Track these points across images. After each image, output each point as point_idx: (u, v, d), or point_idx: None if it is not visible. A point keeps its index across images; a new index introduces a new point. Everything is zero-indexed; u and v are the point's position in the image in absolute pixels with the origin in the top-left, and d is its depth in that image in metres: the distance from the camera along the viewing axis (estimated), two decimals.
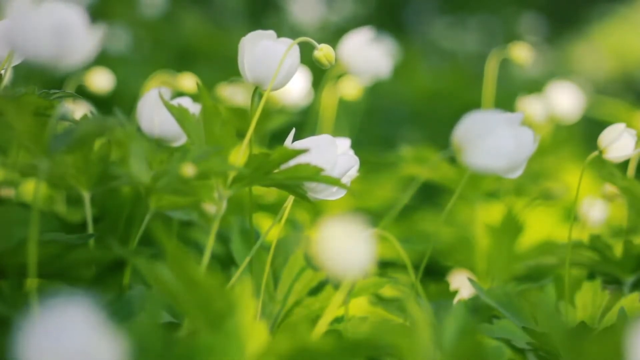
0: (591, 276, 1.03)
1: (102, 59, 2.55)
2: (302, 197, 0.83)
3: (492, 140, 0.74)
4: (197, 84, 0.81)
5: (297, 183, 0.81)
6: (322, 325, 0.70)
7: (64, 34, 0.69)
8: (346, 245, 0.60)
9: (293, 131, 0.84)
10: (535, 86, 2.18)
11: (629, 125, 0.94)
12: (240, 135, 0.84)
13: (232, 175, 0.80)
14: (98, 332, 0.52)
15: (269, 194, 1.52)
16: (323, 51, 0.87)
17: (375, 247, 0.61)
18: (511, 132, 0.75)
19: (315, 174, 0.78)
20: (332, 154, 0.81)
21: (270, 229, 0.87)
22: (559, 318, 0.92)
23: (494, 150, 0.74)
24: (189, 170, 0.75)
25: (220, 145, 0.79)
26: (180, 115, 0.81)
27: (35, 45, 0.69)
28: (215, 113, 0.79)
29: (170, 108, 0.82)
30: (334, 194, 0.84)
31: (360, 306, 1.16)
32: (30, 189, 1.30)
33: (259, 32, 0.86)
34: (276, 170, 0.80)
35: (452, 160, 0.76)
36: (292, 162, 0.79)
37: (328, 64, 0.87)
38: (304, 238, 0.95)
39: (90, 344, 0.51)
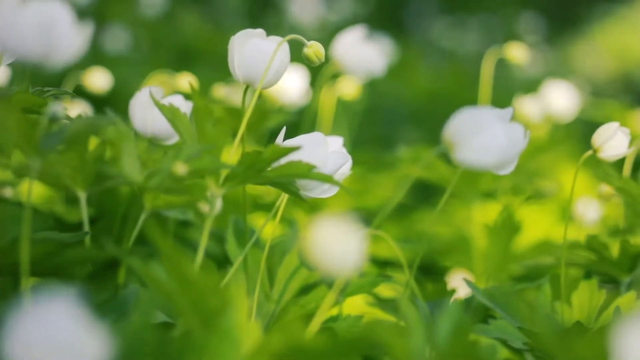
0: (587, 276, 1.02)
1: (102, 59, 2.55)
2: (294, 194, 0.83)
3: (483, 136, 0.74)
4: (189, 83, 0.81)
5: (290, 181, 0.81)
6: (316, 324, 0.70)
7: (51, 31, 0.69)
8: (338, 244, 0.60)
9: (284, 129, 0.84)
10: (535, 86, 2.18)
11: (624, 125, 0.94)
12: (237, 134, 0.84)
13: (224, 173, 0.80)
14: (84, 325, 0.52)
15: (267, 193, 1.52)
16: (312, 48, 0.87)
17: (367, 246, 0.61)
18: (503, 128, 0.75)
19: (307, 171, 0.78)
20: (323, 151, 0.81)
21: (263, 226, 0.87)
22: (550, 318, 0.92)
23: (485, 147, 0.74)
24: (181, 169, 0.75)
25: (213, 144, 0.79)
26: (171, 114, 0.81)
27: (22, 43, 0.69)
28: (207, 112, 0.79)
29: (161, 107, 0.82)
30: (326, 192, 0.84)
31: (356, 305, 1.16)
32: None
33: (248, 30, 0.86)
34: (268, 169, 0.80)
35: (449, 160, 0.76)
36: (284, 160, 0.79)
37: (317, 61, 0.87)
38: (300, 237, 0.95)
39: (75, 337, 0.52)
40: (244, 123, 0.82)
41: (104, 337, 0.53)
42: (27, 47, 0.69)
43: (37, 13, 0.69)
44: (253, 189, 1.47)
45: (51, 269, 0.80)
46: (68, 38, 0.70)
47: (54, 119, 0.73)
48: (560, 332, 0.71)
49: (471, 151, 0.74)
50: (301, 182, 0.83)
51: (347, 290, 0.93)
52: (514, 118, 0.78)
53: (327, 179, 0.80)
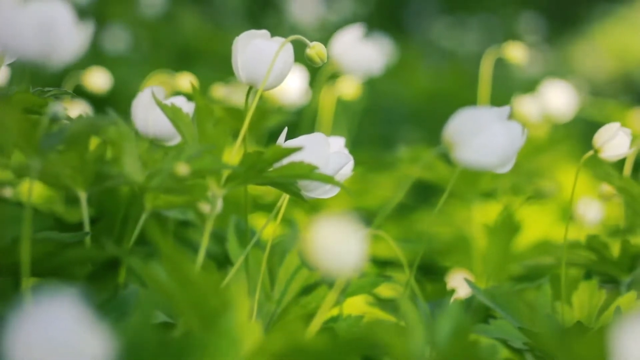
0: (588, 276, 1.03)
1: (102, 59, 2.55)
2: (295, 195, 0.83)
3: (483, 136, 0.74)
4: (191, 83, 0.81)
5: (291, 181, 0.81)
6: (316, 324, 0.70)
7: (51, 31, 0.70)
8: (338, 244, 0.60)
9: (285, 130, 0.84)
10: (535, 86, 2.18)
11: (624, 125, 0.94)
12: (237, 135, 0.84)
13: (226, 174, 0.80)
14: (85, 324, 0.52)
15: (268, 193, 1.52)
16: (315, 49, 0.87)
17: (367, 246, 0.61)
18: (502, 128, 0.75)
19: (309, 172, 0.78)
20: (324, 151, 0.81)
21: (264, 227, 0.87)
22: (551, 318, 0.92)
23: (486, 146, 0.75)
24: (182, 169, 0.75)
25: (214, 144, 0.79)
26: (173, 114, 0.81)
27: (22, 42, 0.69)
28: (208, 112, 0.79)
29: (163, 108, 0.82)
30: (327, 192, 0.84)
31: (356, 306, 1.16)
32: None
33: (252, 31, 0.86)
34: (270, 169, 0.80)
35: (449, 160, 0.76)
36: (286, 161, 0.79)
37: (320, 61, 0.87)
38: (300, 237, 0.95)
39: (76, 337, 0.52)
40: (245, 123, 0.82)
41: (105, 337, 0.53)
42: (28, 47, 0.69)
43: (37, 13, 0.70)
44: (254, 189, 1.47)
45: (51, 269, 0.80)
46: (68, 38, 0.71)
47: (54, 119, 0.73)
48: (560, 332, 0.71)
49: (472, 151, 0.75)
50: (302, 183, 0.83)
51: (347, 291, 0.93)
52: (512, 117, 0.79)
53: (329, 179, 0.80)
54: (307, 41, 0.87)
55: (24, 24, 0.70)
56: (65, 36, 0.70)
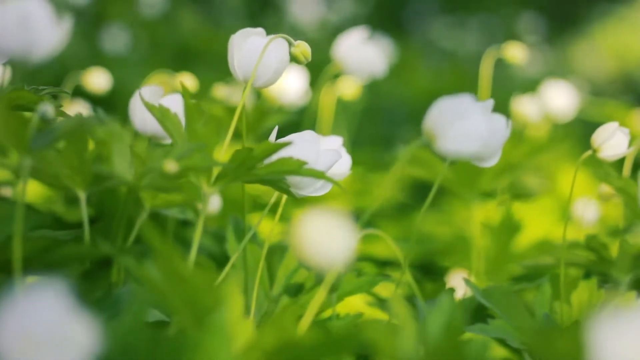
0: (587, 276, 1.02)
1: (101, 59, 2.55)
2: (285, 192, 0.83)
3: (463, 125, 0.74)
4: (181, 82, 0.81)
5: (281, 178, 0.81)
6: (306, 321, 0.70)
7: (30, 26, 0.71)
8: (326, 237, 0.60)
9: (276, 128, 0.84)
10: (535, 86, 2.18)
11: (623, 124, 0.94)
12: (236, 134, 0.84)
13: (216, 171, 0.80)
14: (70, 315, 0.52)
15: (266, 193, 1.52)
16: (299, 48, 0.87)
17: (357, 241, 0.61)
18: (482, 118, 0.75)
19: (298, 167, 0.78)
20: (314, 148, 0.81)
21: (258, 223, 0.86)
22: (526, 313, 0.92)
23: (465, 135, 0.74)
24: (170, 166, 0.75)
25: (204, 143, 0.79)
26: (160, 114, 0.81)
27: (2, 39, 0.70)
28: (198, 111, 0.79)
29: (150, 107, 0.82)
30: (317, 190, 0.83)
31: (355, 305, 1.16)
32: (30, 189, 1.31)
33: (247, 29, 0.86)
34: (260, 166, 0.80)
35: (448, 160, 0.76)
36: (275, 157, 0.79)
37: (305, 60, 0.87)
38: (290, 231, 0.95)
39: (62, 326, 0.52)
40: (235, 118, 0.82)
41: (91, 327, 0.53)
42: (8, 43, 0.71)
43: (16, 9, 0.71)
44: (254, 189, 1.47)
45: (45, 266, 0.80)
46: (46, 33, 0.72)
47: (44, 119, 0.73)
48: (535, 327, 0.71)
49: (452, 140, 0.74)
50: (293, 180, 0.82)
51: (345, 290, 0.92)
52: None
53: (318, 174, 0.79)
54: (292, 40, 0.87)
55: (4, 21, 0.71)
56: (43, 32, 0.72)
